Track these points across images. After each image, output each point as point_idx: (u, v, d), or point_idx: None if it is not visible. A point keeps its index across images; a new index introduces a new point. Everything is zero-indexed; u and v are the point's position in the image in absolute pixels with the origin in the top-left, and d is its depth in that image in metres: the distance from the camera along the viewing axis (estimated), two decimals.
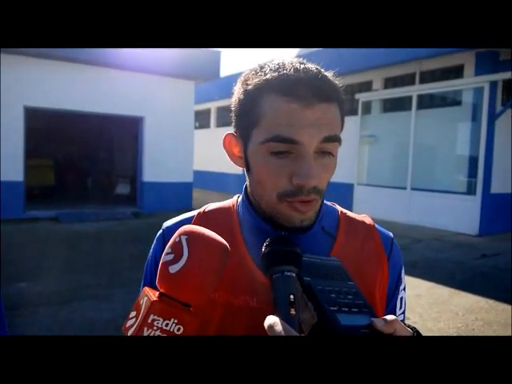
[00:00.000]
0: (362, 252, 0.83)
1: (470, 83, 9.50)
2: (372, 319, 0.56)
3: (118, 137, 14.47)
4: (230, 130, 0.81)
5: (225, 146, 0.81)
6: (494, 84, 8.90)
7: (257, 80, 0.71)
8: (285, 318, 0.55)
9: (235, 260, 0.76)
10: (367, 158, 11.87)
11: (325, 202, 0.85)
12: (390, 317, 0.57)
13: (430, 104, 10.72)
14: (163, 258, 0.62)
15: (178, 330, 0.58)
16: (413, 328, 0.62)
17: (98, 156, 15.19)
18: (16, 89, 9.17)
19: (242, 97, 0.74)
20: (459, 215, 9.34)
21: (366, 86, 12.34)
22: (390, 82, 11.96)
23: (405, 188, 10.61)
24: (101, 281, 5.34)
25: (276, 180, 0.71)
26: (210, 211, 0.87)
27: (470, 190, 9.41)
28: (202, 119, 19.47)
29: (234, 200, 0.88)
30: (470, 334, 4.06)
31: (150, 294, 0.60)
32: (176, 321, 0.58)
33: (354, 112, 11.78)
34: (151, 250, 0.87)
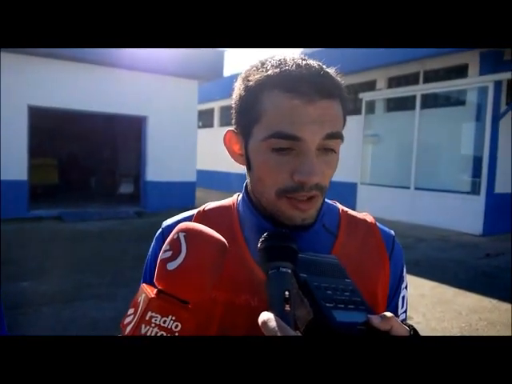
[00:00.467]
0: (363, 250, 0.82)
1: (474, 83, 9.46)
2: (368, 316, 0.56)
3: (122, 136, 14.49)
4: (230, 128, 0.80)
5: (225, 143, 0.80)
6: (498, 84, 8.87)
7: (258, 76, 0.71)
8: (279, 315, 0.55)
9: (236, 258, 0.75)
10: (371, 157, 11.85)
11: (326, 200, 0.85)
12: (386, 314, 0.57)
13: (434, 104, 10.69)
14: (161, 255, 0.62)
15: (176, 327, 0.58)
16: (410, 326, 0.62)
17: (102, 155, 15.23)
18: (20, 88, 9.20)
19: (242, 93, 0.74)
20: (463, 215, 9.31)
21: (370, 86, 12.32)
22: (393, 82, 11.94)
23: (408, 187, 10.58)
24: (104, 280, 5.35)
25: (277, 176, 0.70)
26: (209, 210, 0.86)
27: (474, 190, 9.38)
28: (205, 119, 19.49)
29: (234, 198, 0.87)
30: (473, 334, 4.05)
31: (147, 291, 0.60)
32: (174, 318, 0.58)
33: (357, 111, 11.76)
34: (151, 249, 0.86)
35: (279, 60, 0.71)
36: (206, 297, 0.65)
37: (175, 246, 0.61)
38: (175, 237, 0.62)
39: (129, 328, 0.58)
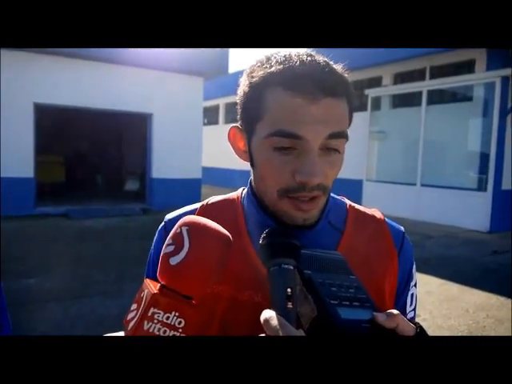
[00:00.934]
0: (370, 246, 0.81)
1: (481, 78, 9.39)
2: (374, 313, 0.55)
3: (127, 133, 14.53)
4: (234, 124, 0.80)
5: (229, 139, 0.79)
6: (505, 79, 8.79)
7: (262, 73, 0.69)
8: (282, 312, 0.54)
9: (240, 253, 0.74)
10: (376, 154, 11.80)
11: (333, 195, 0.83)
12: (392, 311, 0.56)
13: (441, 99, 10.63)
14: (164, 249, 0.61)
15: (179, 323, 0.57)
16: (416, 323, 0.61)
17: (108, 153, 15.27)
18: (25, 85, 9.23)
19: (246, 89, 0.72)
20: (470, 212, 9.26)
21: (376, 82, 12.26)
22: (399, 78, 11.88)
23: (414, 184, 10.54)
24: (110, 277, 5.37)
25: (278, 176, 0.69)
26: (213, 203, 0.85)
27: (481, 187, 9.32)
28: (210, 116, 19.49)
29: (239, 193, 0.86)
30: (480, 332, 4.03)
31: (150, 287, 0.59)
32: (177, 314, 0.57)
33: (363, 108, 11.71)
34: (153, 243, 0.85)
35: (284, 56, 0.69)
36: (210, 292, 0.64)
37: (178, 240, 0.60)
38: (178, 231, 0.61)
39: (131, 324, 0.57)
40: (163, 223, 0.85)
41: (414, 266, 0.86)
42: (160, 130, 11.07)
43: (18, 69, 9.06)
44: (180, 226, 0.62)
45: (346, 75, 0.71)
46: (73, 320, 4.01)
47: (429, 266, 6.17)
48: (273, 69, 0.68)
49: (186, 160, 11.39)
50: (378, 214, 0.86)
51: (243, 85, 0.74)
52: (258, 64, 0.72)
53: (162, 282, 0.59)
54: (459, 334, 3.86)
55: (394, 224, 0.86)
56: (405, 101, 11.42)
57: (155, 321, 0.56)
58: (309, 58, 0.68)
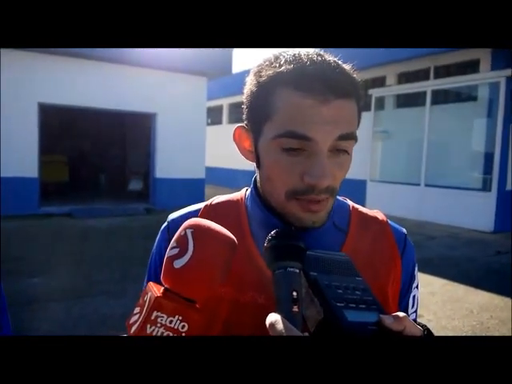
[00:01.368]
0: (374, 248, 0.80)
1: (485, 78, 9.35)
2: (380, 316, 0.55)
3: (131, 133, 14.55)
4: (240, 124, 0.78)
5: (235, 139, 0.78)
6: (510, 79, 8.75)
7: (270, 72, 0.68)
8: (287, 316, 0.53)
9: (243, 254, 0.73)
10: (380, 154, 11.78)
11: (336, 197, 0.83)
12: (399, 314, 0.55)
13: (445, 99, 10.59)
14: (168, 252, 0.60)
15: (183, 327, 0.56)
16: (423, 326, 0.60)
17: (111, 152, 15.29)
18: (30, 85, 9.25)
19: (254, 89, 0.71)
20: (474, 212, 9.23)
21: (380, 82, 12.24)
22: (403, 78, 11.85)
23: (418, 184, 10.51)
24: (113, 276, 5.37)
25: (286, 178, 0.68)
26: (217, 204, 0.84)
27: (485, 187, 9.29)
28: (213, 116, 19.50)
29: (243, 193, 0.85)
30: (484, 332, 4.01)
31: (154, 290, 0.58)
32: (180, 318, 0.56)
33: (367, 108, 11.68)
34: (156, 243, 0.84)
35: (293, 55, 0.68)
36: (213, 296, 0.64)
37: (182, 242, 0.59)
38: (182, 233, 0.60)
39: (134, 328, 0.56)
40: (166, 223, 0.84)
41: (416, 268, 0.85)
42: (164, 130, 11.07)
43: (23, 69, 9.08)
44: (185, 229, 0.61)
45: (356, 76, 0.71)
46: (76, 320, 4.01)
47: (432, 266, 6.15)
48: (282, 68, 0.67)
49: (189, 160, 11.40)
50: (381, 216, 0.85)
51: (250, 84, 0.73)
52: (267, 63, 0.71)
53: (166, 285, 0.59)
54: (463, 335, 3.84)
55: (396, 226, 0.86)
56: (409, 101, 11.39)
57: (158, 324, 0.55)
58: (319, 58, 0.67)
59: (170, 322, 0.56)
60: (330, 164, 0.67)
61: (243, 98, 0.75)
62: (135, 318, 0.58)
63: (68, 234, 7.97)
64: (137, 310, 0.59)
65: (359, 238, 0.80)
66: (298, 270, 0.58)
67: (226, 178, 17.05)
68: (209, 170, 13.50)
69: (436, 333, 0.63)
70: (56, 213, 9.82)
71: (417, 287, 0.85)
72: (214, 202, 0.84)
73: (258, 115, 0.71)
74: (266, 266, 0.63)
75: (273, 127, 0.67)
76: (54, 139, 12.83)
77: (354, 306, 0.55)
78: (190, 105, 11.32)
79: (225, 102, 18.83)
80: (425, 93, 10.41)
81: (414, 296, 0.84)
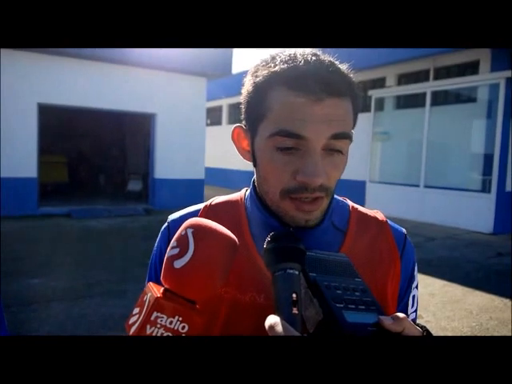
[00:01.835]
0: (373, 248, 0.80)
1: (485, 79, 9.36)
2: (380, 317, 0.55)
3: (130, 133, 14.55)
4: (238, 124, 0.79)
5: (233, 139, 0.79)
6: (509, 80, 8.75)
7: (266, 72, 0.69)
8: (287, 318, 0.53)
9: (242, 255, 0.73)
10: (380, 155, 11.78)
11: (336, 197, 0.83)
12: (398, 315, 0.55)
13: (445, 101, 10.60)
14: (168, 252, 0.60)
15: (183, 328, 0.56)
16: (422, 327, 0.60)
17: (111, 153, 15.30)
18: (29, 86, 9.25)
19: (250, 89, 0.72)
20: (473, 213, 9.23)
21: (380, 83, 12.24)
22: (403, 79, 11.85)
23: (418, 186, 10.51)
24: (113, 277, 5.37)
25: (280, 176, 0.68)
26: (216, 204, 0.84)
27: (485, 188, 9.29)
28: (213, 116, 19.50)
29: (242, 193, 0.86)
30: (484, 334, 4.01)
31: (154, 290, 0.58)
32: (181, 318, 0.56)
33: (366, 109, 11.69)
34: (156, 244, 0.84)
35: (289, 55, 0.69)
36: (213, 296, 0.64)
37: (183, 242, 0.59)
38: (183, 233, 0.60)
39: (133, 328, 0.56)
40: (166, 223, 0.84)
41: (416, 268, 0.86)
42: (163, 131, 11.08)
43: (22, 69, 9.08)
44: (185, 228, 0.61)
45: (351, 75, 0.71)
46: (75, 320, 4.01)
47: (432, 267, 6.15)
48: (277, 68, 0.68)
49: (188, 160, 11.40)
50: (380, 216, 0.85)
51: (247, 84, 0.74)
52: (263, 63, 0.72)
53: (166, 286, 0.58)
54: (462, 336, 3.83)
55: (395, 226, 0.86)
56: (408, 102, 11.39)
57: (158, 325, 0.55)
58: (313, 58, 0.68)
59: (170, 322, 0.56)
60: (324, 163, 0.67)
61: (241, 98, 0.76)
62: (135, 319, 0.57)
63: (67, 235, 7.97)
64: (136, 310, 0.59)
65: (358, 237, 0.80)
66: (297, 272, 0.58)
67: (226, 179, 17.04)
68: (208, 170, 13.49)
69: (435, 334, 0.63)
70: (55, 213, 9.82)
71: (416, 287, 0.85)
72: (213, 203, 0.85)
73: (253, 114, 0.71)
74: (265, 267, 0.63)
75: (267, 126, 0.68)
76: (53, 140, 12.85)
77: (353, 306, 0.55)
78: (190, 105, 11.33)
79: (224, 103, 18.83)
80: (424, 94, 10.41)
81: (413, 296, 0.84)
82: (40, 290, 4.77)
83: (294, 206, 0.69)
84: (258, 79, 0.70)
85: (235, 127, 0.78)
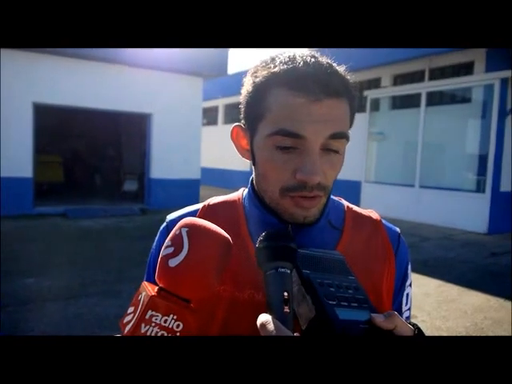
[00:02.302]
0: (368, 247, 0.82)
1: (480, 80, 9.40)
2: (372, 315, 0.55)
3: (126, 133, 14.51)
4: (237, 123, 0.80)
5: (232, 138, 0.80)
6: (504, 81, 8.80)
7: (265, 72, 0.70)
8: (278, 316, 0.54)
9: (241, 253, 0.75)
10: (375, 155, 11.81)
11: (332, 196, 0.84)
12: (390, 313, 0.56)
13: (440, 101, 10.64)
14: (163, 251, 0.61)
15: (178, 326, 0.56)
16: (414, 325, 0.61)
17: (106, 152, 15.25)
18: (24, 85, 9.21)
19: (250, 89, 0.73)
20: (468, 213, 9.27)
21: (375, 83, 12.27)
22: (398, 79, 11.89)
23: (413, 186, 10.54)
24: (108, 277, 5.36)
25: (280, 174, 0.70)
26: (214, 204, 0.85)
27: (479, 188, 9.33)
28: (209, 116, 19.49)
29: (240, 193, 0.87)
30: (478, 333, 4.03)
31: (148, 289, 0.58)
32: (175, 317, 0.56)
33: (362, 109, 11.71)
34: (154, 243, 0.86)
35: (288, 57, 0.70)
36: (209, 294, 0.64)
37: (177, 242, 0.59)
38: (177, 232, 0.61)
39: (128, 327, 0.56)
40: (165, 223, 0.85)
41: (410, 266, 0.87)
42: (159, 131, 11.06)
43: (17, 68, 9.04)
44: (180, 228, 0.61)
45: (349, 77, 0.72)
46: (71, 320, 4.00)
47: (427, 267, 6.17)
48: (276, 69, 0.69)
49: (184, 160, 11.39)
50: (375, 215, 0.87)
51: (247, 84, 0.75)
52: (263, 64, 0.73)
53: (160, 285, 0.59)
54: (454, 335, 3.86)
55: (389, 225, 0.88)
56: (404, 102, 11.43)
57: (153, 324, 0.55)
58: (312, 59, 0.69)
59: (165, 321, 0.56)
60: (322, 162, 0.69)
61: (240, 98, 0.77)
62: (129, 318, 0.58)
63: (63, 234, 7.94)
64: (131, 309, 0.59)
65: (354, 236, 0.82)
66: (289, 271, 0.59)
67: (222, 179, 17.04)
68: (204, 170, 13.48)
69: (430, 333, 0.64)
70: (50, 213, 9.78)
71: (410, 285, 0.87)
72: (211, 203, 0.86)
73: (253, 114, 0.73)
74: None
75: (267, 126, 0.69)
76: (48, 139, 12.78)
77: (345, 304, 0.56)
78: (186, 105, 11.31)
79: (220, 103, 18.82)
80: (420, 94, 10.44)
81: (407, 294, 0.86)
82: (35, 290, 4.76)
83: (293, 203, 0.71)
84: (257, 79, 0.72)
85: (234, 126, 0.79)
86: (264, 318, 0.53)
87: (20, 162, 9.32)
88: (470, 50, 9.41)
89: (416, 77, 11.26)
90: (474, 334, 3.99)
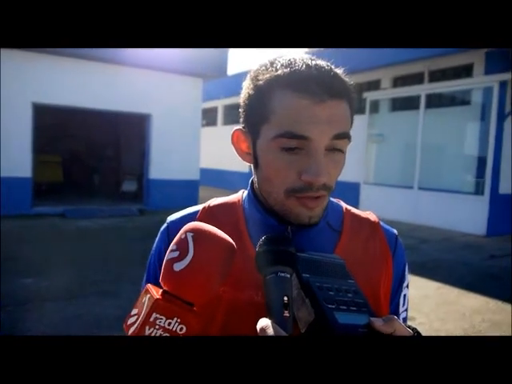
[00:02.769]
0: (366, 249, 0.82)
1: (479, 83, 9.42)
2: (371, 318, 0.56)
3: (125, 134, 14.50)
4: (239, 126, 0.80)
5: (233, 142, 0.80)
6: (503, 84, 8.82)
7: (268, 76, 0.71)
8: (278, 321, 0.54)
9: (241, 255, 0.75)
10: (374, 157, 11.82)
11: (330, 198, 0.84)
12: (389, 317, 0.57)
13: (439, 103, 10.65)
14: (168, 254, 0.61)
15: (181, 329, 0.57)
16: (413, 329, 0.61)
17: (106, 153, 15.24)
18: (24, 85, 9.21)
19: (252, 92, 0.73)
20: (467, 215, 9.28)
21: (375, 85, 12.29)
22: (398, 81, 11.90)
23: (412, 187, 10.55)
24: (107, 277, 5.36)
25: (285, 176, 0.70)
26: (214, 206, 0.86)
27: (478, 190, 9.35)
28: (208, 117, 19.49)
29: (240, 195, 0.87)
30: (476, 336, 4.03)
31: (152, 292, 0.59)
32: (179, 320, 0.57)
33: (361, 111, 11.72)
34: (155, 244, 0.86)
35: (288, 60, 0.71)
36: (212, 298, 0.65)
37: (183, 246, 0.60)
38: (183, 237, 0.61)
39: (132, 329, 0.57)
40: (166, 224, 0.86)
41: (407, 268, 0.88)
42: (158, 131, 11.05)
43: (17, 68, 9.04)
44: (185, 232, 0.62)
45: (348, 79, 0.73)
46: (69, 320, 3.99)
47: (425, 269, 6.17)
48: (279, 72, 0.70)
49: (184, 161, 11.39)
50: (373, 217, 0.88)
51: (248, 88, 0.75)
52: (263, 68, 0.73)
53: (165, 288, 0.59)
54: (450, 335, 3.85)
55: (387, 227, 0.88)
56: (403, 104, 11.44)
57: (157, 326, 0.56)
58: (313, 62, 0.70)
59: (169, 324, 0.56)
60: (327, 162, 0.69)
61: (240, 101, 0.78)
62: (133, 319, 0.58)
63: (61, 235, 7.93)
64: (135, 311, 0.59)
65: (352, 238, 0.82)
66: (288, 275, 0.59)
67: (221, 180, 17.03)
68: (203, 171, 13.48)
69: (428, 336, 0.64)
70: (49, 213, 9.77)
71: (407, 286, 0.88)
72: (211, 204, 0.86)
73: (255, 117, 0.73)
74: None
75: (271, 128, 0.70)
76: (47, 139, 12.76)
77: (345, 308, 0.56)
78: (185, 106, 11.31)
79: (220, 104, 18.82)
80: (419, 96, 10.46)
81: (404, 295, 0.87)
82: (34, 290, 4.75)
83: (299, 203, 0.71)
84: (259, 83, 0.72)
85: (235, 130, 0.79)
86: (264, 323, 0.54)
87: (19, 161, 9.31)
88: (470, 53, 9.42)
89: (415, 79, 11.28)
90: (471, 335, 3.98)
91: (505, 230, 8.91)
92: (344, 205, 0.89)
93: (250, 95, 0.74)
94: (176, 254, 0.60)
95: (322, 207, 0.75)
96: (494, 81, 8.90)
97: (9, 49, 8.43)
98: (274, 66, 0.71)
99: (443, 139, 10.23)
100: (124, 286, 4.96)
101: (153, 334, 0.56)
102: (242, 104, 0.77)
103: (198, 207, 0.86)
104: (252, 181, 0.83)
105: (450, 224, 9.50)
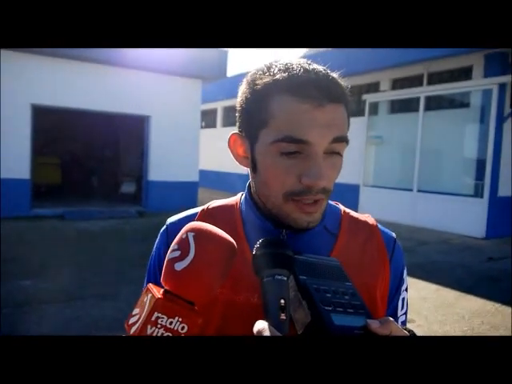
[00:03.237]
0: (363, 252, 0.82)
1: (478, 85, 9.44)
2: (367, 320, 0.56)
3: (124, 135, 14.50)
4: (236, 129, 0.80)
5: (230, 146, 0.80)
6: (502, 86, 8.84)
7: (266, 80, 0.71)
8: (274, 323, 0.54)
9: (237, 258, 0.75)
10: (373, 159, 11.83)
11: (329, 201, 0.84)
12: (385, 318, 0.57)
13: (438, 106, 10.67)
14: (169, 254, 0.61)
15: (183, 328, 0.57)
16: (410, 331, 0.61)
17: (105, 155, 15.23)
18: (23, 87, 9.21)
19: (249, 97, 0.73)
20: (466, 218, 9.29)
21: (374, 87, 12.31)
22: (397, 83, 11.92)
23: (411, 190, 10.56)
24: (106, 279, 5.35)
25: (284, 180, 0.70)
26: (213, 208, 0.86)
27: (477, 193, 9.36)
28: (208, 119, 19.50)
29: (238, 198, 0.88)
30: None
31: (154, 291, 0.59)
32: (180, 319, 0.57)
33: (361, 113, 11.74)
34: (155, 246, 0.86)
35: (286, 64, 0.71)
36: (212, 298, 0.65)
37: (184, 246, 0.60)
38: (184, 236, 0.61)
39: (134, 328, 0.57)
40: (165, 226, 0.86)
41: (405, 271, 0.88)
42: (157, 133, 11.06)
43: (16, 70, 9.04)
44: (186, 232, 0.62)
45: (344, 82, 0.74)
46: (68, 322, 3.99)
47: (424, 271, 6.18)
48: (277, 76, 0.70)
49: (183, 163, 11.39)
50: (371, 220, 0.88)
51: (245, 92, 0.75)
52: (260, 72, 0.73)
53: (166, 287, 0.59)
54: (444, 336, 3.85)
55: (385, 230, 0.88)
56: (402, 106, 11.46)
57: (159, 325, 0.56)
58: (310, 66, 0.70)
59: (170, 323, 0.57)
60: (325, 165, 0.69)
61: (237, 106, 0.77)
62: (135, 319, 0.58)
63: (60, 236, 7.93)
64: (136, 311, 0.60)
65: (349, 241, 0.82)
66: (285, 278, 0.59)
67: (220, 181, 17.04)
68: (202, 172, 13.48)
69: None
70: (48, 215, 9.77)
71: (406, 290, 0.87)
72: (210, 207, 0.87)
73: (254, 122, 0.73)
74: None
75: (270, 132, 0.70)
76: (46, 141, 12.77)
77: (341, 310, 0.56)
78: (185, 107, 11.32)
79: (219, 105, 18.84)
80: (418, 99, 10.47)
81: (403, 298, 0.86)
82: (32, 292, 4.75)
83: (297, 208, 0.71)
84: (257, 87, 0.72)
85: (231, 135, 0.79)
86: (260, 325, 0.54)
87: (18, 163, 9.30)
88: (469, 55, 9.45)
89: (415, 81, 11.30)
90: (467, 336, 3.98)
91: (504, 233, 8.92)
92: (342, 207, 0.89)
93: (247, 100, 0.74)
94: (177, 253, 0.60)
95: (321, 212, 0.75)
96: (493, 83, 8.92)
97: (8, 50, 8.44)
98: (272, 70, 0.71)
99: (442, 141, 10.24)
100: (123, 287, 4.96)
101: (154, 334, 0.56)
102: (238, 108, 0.77)
103: (197, 209, 0.87)
104: (249, 184, 0.83)
105: (449, 226, 9.50)
